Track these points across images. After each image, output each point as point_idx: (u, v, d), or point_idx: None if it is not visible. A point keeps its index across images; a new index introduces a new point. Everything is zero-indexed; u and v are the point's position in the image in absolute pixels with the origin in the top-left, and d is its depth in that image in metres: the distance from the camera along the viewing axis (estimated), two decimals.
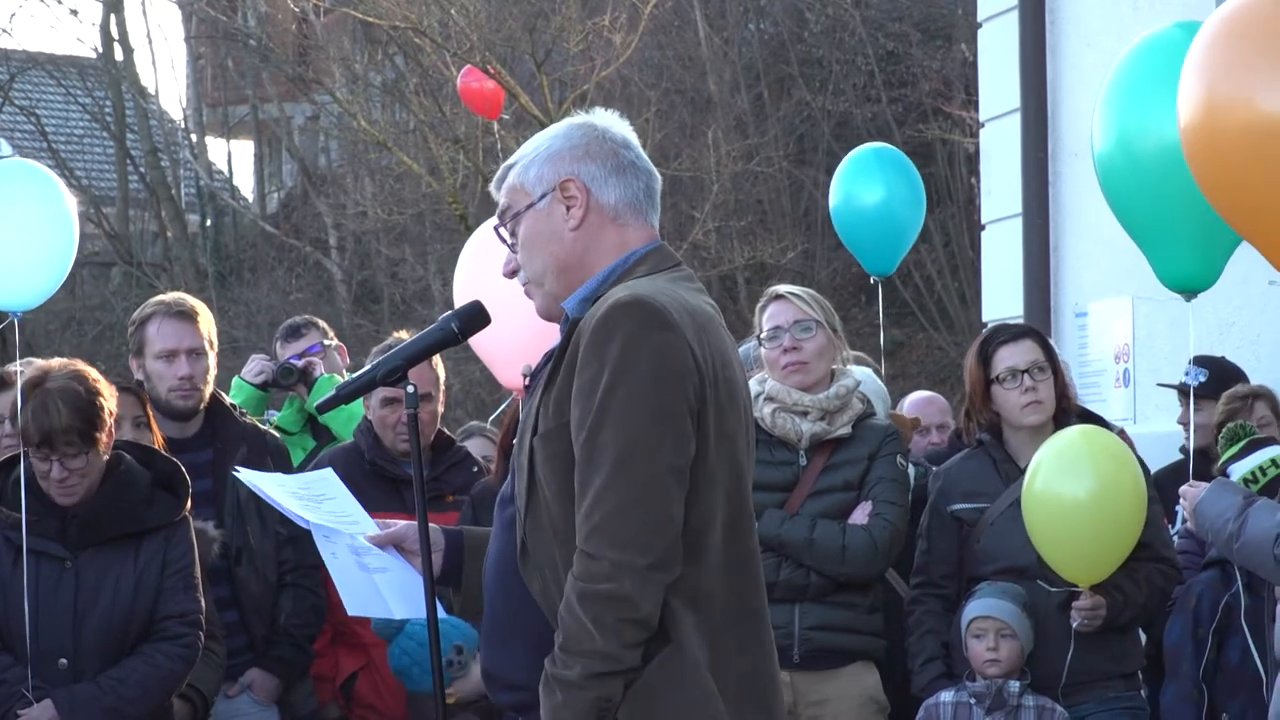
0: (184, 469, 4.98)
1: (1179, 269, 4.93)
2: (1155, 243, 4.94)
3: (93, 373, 4.83)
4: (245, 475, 3.93)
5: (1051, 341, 5.76)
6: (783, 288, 5.41)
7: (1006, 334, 5.44)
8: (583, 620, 3.13)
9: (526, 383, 3.57)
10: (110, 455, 4.82)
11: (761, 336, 5.32)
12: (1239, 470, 5.31)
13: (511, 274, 3.51)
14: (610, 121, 3.49)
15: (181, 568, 4.85)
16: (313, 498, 3.78)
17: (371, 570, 3.66)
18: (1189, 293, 4.96)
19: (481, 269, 5.61)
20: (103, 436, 4.76)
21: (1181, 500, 5.04)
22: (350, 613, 3.71)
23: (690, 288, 3.37)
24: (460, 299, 5.65)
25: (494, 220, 5.74)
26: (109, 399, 4.79)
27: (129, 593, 4.78)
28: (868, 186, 7.69)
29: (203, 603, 4.90)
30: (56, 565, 4.76)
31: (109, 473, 4.83)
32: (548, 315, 3.48)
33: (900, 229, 7.76)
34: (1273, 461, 5.39)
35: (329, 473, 3.94)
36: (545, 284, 3.43)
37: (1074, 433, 5.15)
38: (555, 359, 3.31)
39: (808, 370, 5.25)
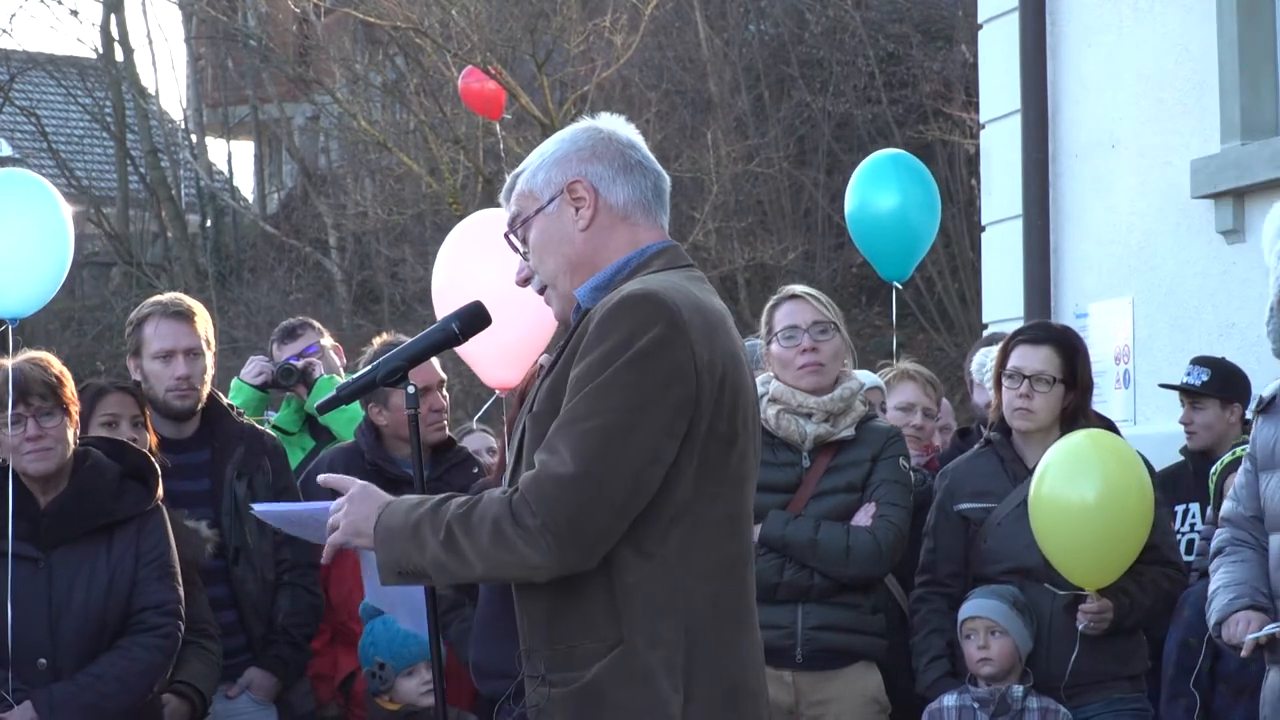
0: (153, 459, 4.97)
1: None
2: None
3: (54, 358, 4.88)
4: (259, 508, 4.01)
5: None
6: (798, 288, 5.37)
7: (1031, 335, 5.35)
8: (487, 517, 3.15)
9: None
10: (78, 450, 4.82)
11: (774, 334, 5.27)
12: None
13: (524, 282, 3.51)
14: (616, 124, 3.49)
15: (155, 557, 4.83)
16: None
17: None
18: None
19: (459, 272, 5.59)
20: (72, 408, 4.77)
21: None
22: (284, 530, 3.77)
23: (703, 288, 3.37)
24: (439, 301, 5.63)
25: (471, 223, 5.78)
26: (69, 383, 4.81)
27: (103, 587, 4.76)
28: (883, 193, 7.64)
29: (181, 591, 4.87)
30: (29, 565, 4.74)
31: (76, 468, 4.82)
32: (564, 317, 3.48)
33: (915, 235, 7.72)
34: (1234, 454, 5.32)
35: None
36: (559, 285, 3.43)
37: (1080, 436, 5.12)
38: (562, 345, 3.32)
39: (823, 372, 5.23)
